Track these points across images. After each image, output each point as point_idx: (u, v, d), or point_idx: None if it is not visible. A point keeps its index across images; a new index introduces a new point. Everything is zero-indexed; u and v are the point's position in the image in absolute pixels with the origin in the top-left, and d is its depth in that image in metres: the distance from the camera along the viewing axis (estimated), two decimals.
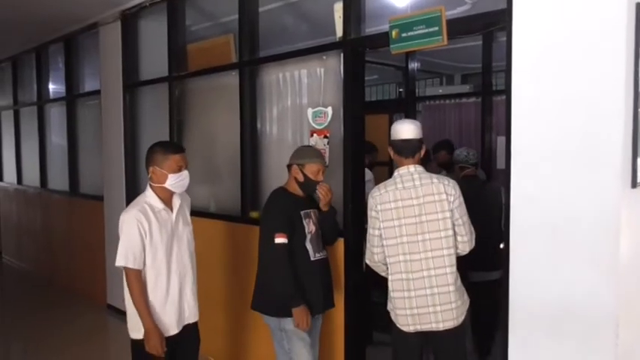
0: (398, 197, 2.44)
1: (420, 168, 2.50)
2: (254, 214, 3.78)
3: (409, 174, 2.47)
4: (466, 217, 2.47)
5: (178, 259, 2.69)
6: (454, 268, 2.43)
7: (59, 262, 6.44)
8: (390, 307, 2.53)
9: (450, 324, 2.41)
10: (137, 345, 2.61)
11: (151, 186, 2.67)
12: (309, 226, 2.80)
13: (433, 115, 6.17)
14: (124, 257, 2.53)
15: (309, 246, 2.78)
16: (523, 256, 2.25)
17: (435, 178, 2.47)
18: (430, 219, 2.41)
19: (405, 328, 2.46)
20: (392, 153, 2.54)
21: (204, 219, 3.90)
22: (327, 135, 3.25)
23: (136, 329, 2.61)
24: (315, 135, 3.30)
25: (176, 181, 2.62)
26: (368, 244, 2.56)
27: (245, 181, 3.82)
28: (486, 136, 4.81)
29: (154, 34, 4.76)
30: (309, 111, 3.35)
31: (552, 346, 2.16)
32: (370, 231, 2.53)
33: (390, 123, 6.10)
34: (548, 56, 2.15)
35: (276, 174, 3.71)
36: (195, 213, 3.12)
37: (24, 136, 7.38)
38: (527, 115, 2.22)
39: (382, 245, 2.48)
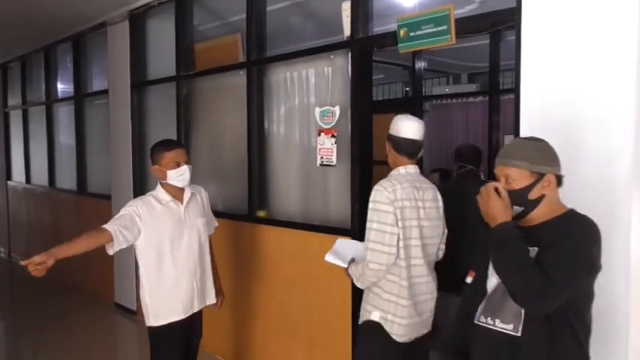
0: (412, 197, 2.27)
1: (418, 170, 2.41)
2: (261, 213, 3.79)
3: (416, 174, 2.37)
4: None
5: (189, 249, 2.76)
6: None
7: (67, 261, 6.42)
8: (382, 316, 2.27)
9: (426, 330, 2.40)
10: (154, 332, 2.71)
11: (160, 183, 2.78)
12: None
13: (440, 115, 6.15)
14: (109, 223, 2.61)
15: (483, 304, 1.75)
16: None
17: (429, 182, 2.44)
18: (432, 224, 2.35)
19: (400, 339, 2.27)
20: (391, 149, 2.35)
21: None
22: (335, 134, 3.25)
23: (151, 317, 2.70)
24: (322, 134, 3.31)
25: (176, 176, 2.69)
26: (378, 245, 2.20)
27: (252, 180, 3.83)
28: (493, 135, 4.80)
29: (161, 33, 4.78)
30: (317, 110, 3.35)
31: None
32: (387, 228, 2.20)
33: None
34: (557, 55, 2.15)
35: (282, 173, 3.72)
36: None
37: (32, 135, 7.42)
38: (535, 114, 2.22)
39: (399, 246, 2.22)
